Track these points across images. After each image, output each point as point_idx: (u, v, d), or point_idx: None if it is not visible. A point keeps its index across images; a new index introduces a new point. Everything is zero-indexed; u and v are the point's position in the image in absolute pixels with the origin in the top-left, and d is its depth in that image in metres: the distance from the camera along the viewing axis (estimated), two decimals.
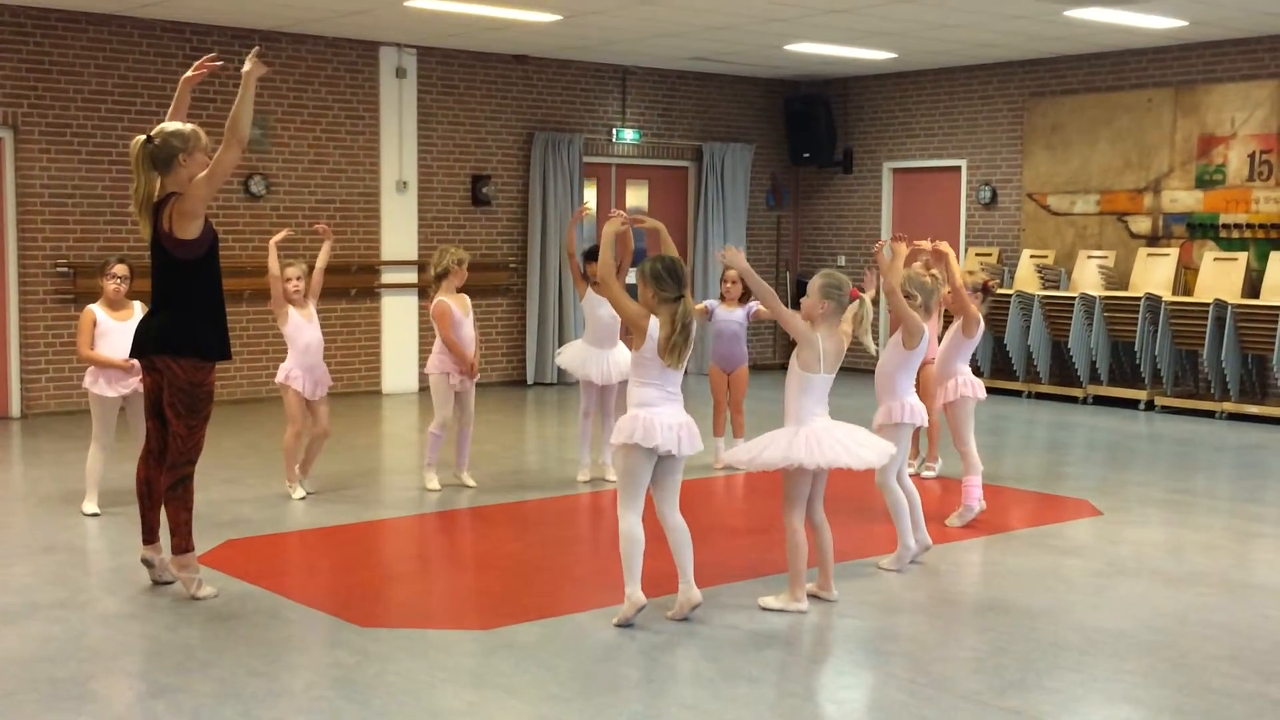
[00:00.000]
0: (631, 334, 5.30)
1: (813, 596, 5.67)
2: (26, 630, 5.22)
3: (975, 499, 7.14)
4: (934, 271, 7.07)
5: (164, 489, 5.66)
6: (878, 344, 6.17)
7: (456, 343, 7.84)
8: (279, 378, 7.74)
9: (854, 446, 5.47)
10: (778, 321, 5.66)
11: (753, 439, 5.65)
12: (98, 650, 5.01)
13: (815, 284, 5.55)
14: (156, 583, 5.84)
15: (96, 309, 7.20)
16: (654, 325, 5.22)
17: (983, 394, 7.17)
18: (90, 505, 7.26)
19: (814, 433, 5.41)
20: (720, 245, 14.55)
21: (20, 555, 6.42)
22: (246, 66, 5.40)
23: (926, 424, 6.45)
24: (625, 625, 5.24)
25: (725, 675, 4.75)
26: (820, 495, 5.65)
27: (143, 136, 5.53)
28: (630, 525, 5.21)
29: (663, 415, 5.19)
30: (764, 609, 5.53)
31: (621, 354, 8.06)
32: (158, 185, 5.52)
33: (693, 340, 5.27)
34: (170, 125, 5.56)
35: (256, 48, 5.64)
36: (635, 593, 5.23)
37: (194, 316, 5.57)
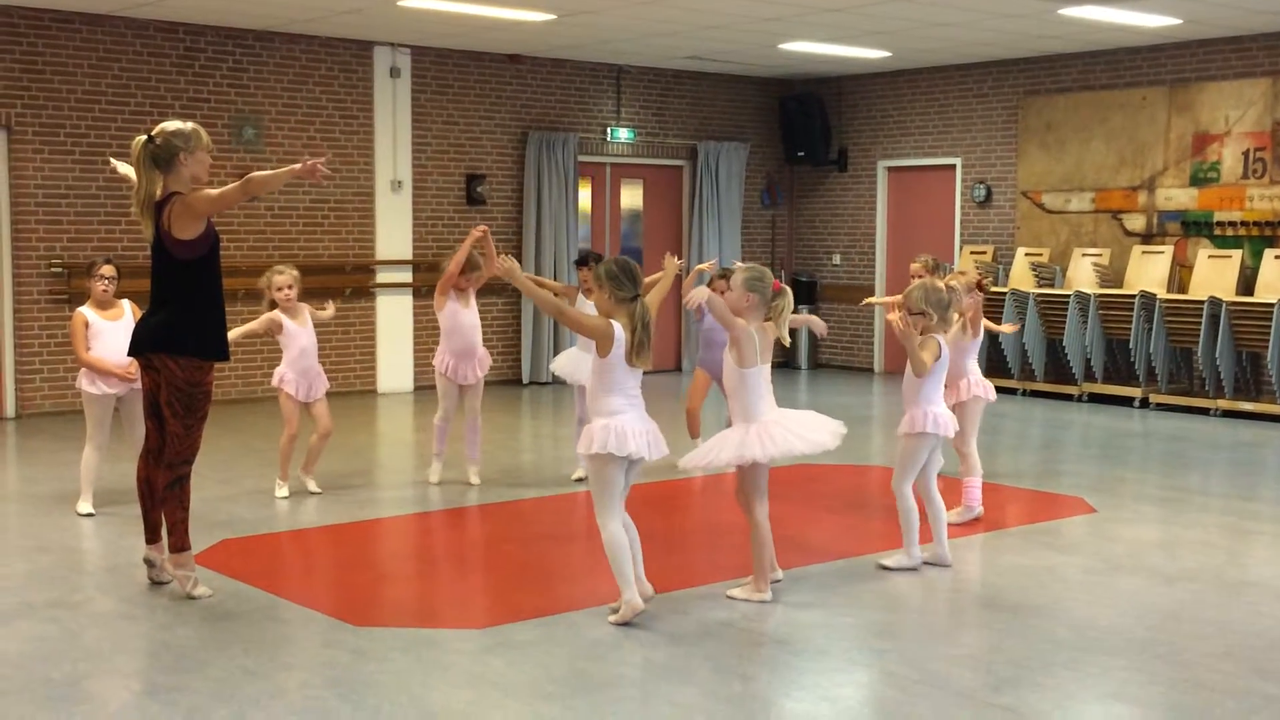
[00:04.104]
0: (598, 343, 5.29)
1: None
2: (21, 630, 5.22)
3: (976, 500, 7.13)
4: (952, 283, 7.00)
5: (161, 488, 5.66)
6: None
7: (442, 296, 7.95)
8: (274, 381, 7.77)
9: (805, 432, 5.58)
10: (722, 325, 5.70)
11: (706, 441, 5.74)
12: (93, 650, 5.01)
13: (739, 278, 5.64)
14: (155, 582, 5.84)
15: (86, 310, 7.20)
16: (619, 331, 5.23)
17: (993, 395, 7.16)
18: (85, 505, 7.26)
19: (764, 427, 5.51)
20: (715, 244, 14.56)
21: (15, 555, 6.42)
22: (305, 166, 5.35)
23: (953, 435, 6.33)
24: (623, 625, 5.25)
25: (720, 673, 4.75)
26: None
27: (144, 136, 5.53)
28: (614, 531, 5.23)
29: (631, 422, 5.23)
30: (730, 599, 5.63)
31: None
32: (160, 185, 5.52)
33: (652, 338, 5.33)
34: (171, 125, 5.56)
35: (326, 167, 5.53)
36: (633, 597, 5.25)
37: (193, 316, 5.57)
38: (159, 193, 5.51)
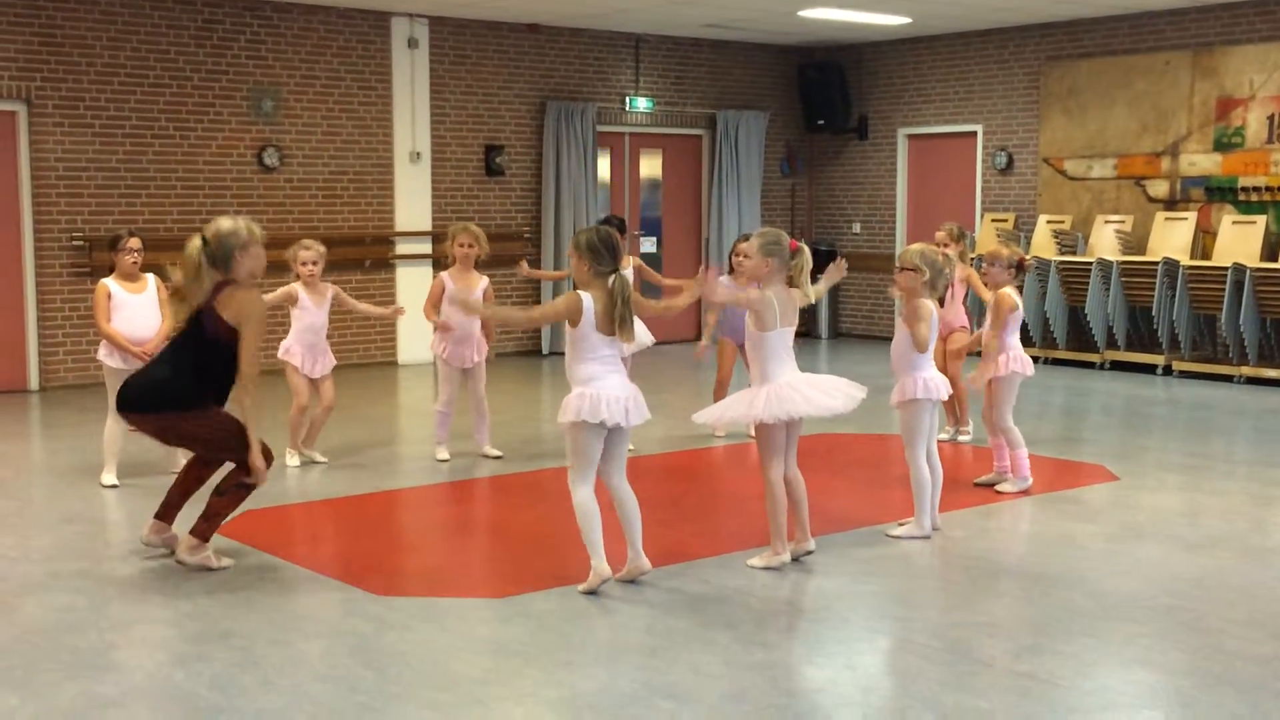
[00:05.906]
0: (569, 318, 5.27)
1: (796, 559, 5.76)
2: (48, 600, 5.26)
3: (1027, 470, 7.11)
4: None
5: (226, 481, 5.71)
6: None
7: (432, 314, 7.98)
8: (279, 353, 7.85)
9: (816, 396, 5.58)
10: (740, 307, 5.78)
11: (721, 400, 5.80)
12: (119, 620, 5.05)
13: (755, 245, 5.68)
14: (171, 553, 5.86)
15: (110, 283, 7.25)
16: (588, 301, 5.22)
17: (1030, 370, 7.13)
18: (109, 477, 7.31)
19: (776, 389, 5.53)
20: (735, 213, 14.51)
21: (41, 526, 6.48)
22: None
23: (945, 397, 6.34)
24: (589, 594, 5.27)
25: (741, 641, 4.76)
26: (794, 448, 5.72)
27: (198, 239, 5.59)
28: (584, 498, 5.26)
29: (607, 389, 5.22)
30: (751, 568, 5.66)
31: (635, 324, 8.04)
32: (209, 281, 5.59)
33: (632, 311, 5.31)
34: (224, 224, 5.61)
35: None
36: (601, 565, 5.27)
37: (201, 381, 5.60)
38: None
